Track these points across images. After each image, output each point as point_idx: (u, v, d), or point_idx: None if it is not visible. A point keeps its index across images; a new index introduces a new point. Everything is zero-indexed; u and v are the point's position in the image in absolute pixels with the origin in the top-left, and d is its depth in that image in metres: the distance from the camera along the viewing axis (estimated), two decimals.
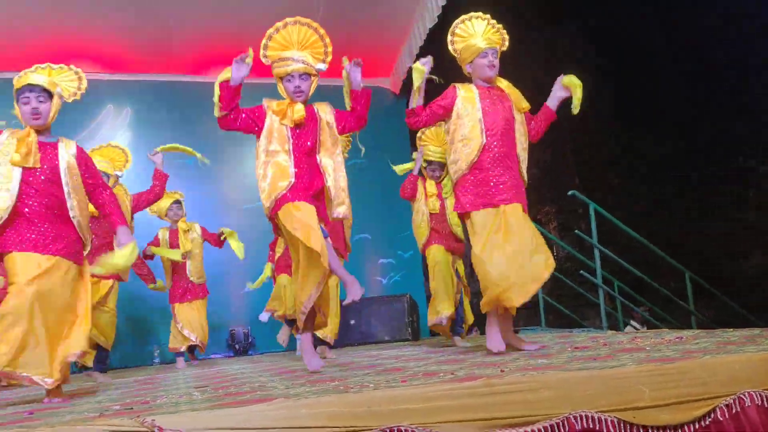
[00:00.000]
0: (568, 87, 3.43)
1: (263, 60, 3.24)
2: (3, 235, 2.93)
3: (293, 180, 3.09)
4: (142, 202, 4.93)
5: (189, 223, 5.74)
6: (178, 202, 5.68)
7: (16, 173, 2.95)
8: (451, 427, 1.78)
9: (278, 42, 3.23)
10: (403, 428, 1.73)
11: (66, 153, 3.08)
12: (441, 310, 4.49)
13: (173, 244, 5.58)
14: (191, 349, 5.91)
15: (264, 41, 3.24)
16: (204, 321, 5.65)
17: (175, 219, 5.66)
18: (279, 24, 3.24)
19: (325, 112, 3.29)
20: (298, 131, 3.17)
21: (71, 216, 3.04)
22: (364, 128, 3.41)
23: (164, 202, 5.55)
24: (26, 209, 2.95)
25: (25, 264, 2.89)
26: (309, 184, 3.14)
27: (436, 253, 4.59)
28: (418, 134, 4.72)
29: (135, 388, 3.36)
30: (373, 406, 1.74)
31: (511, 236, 3.12)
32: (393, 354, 4.22)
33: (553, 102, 3.47)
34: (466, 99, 3.29)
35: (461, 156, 3.26)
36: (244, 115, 3.17)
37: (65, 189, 3.03)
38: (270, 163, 3.13)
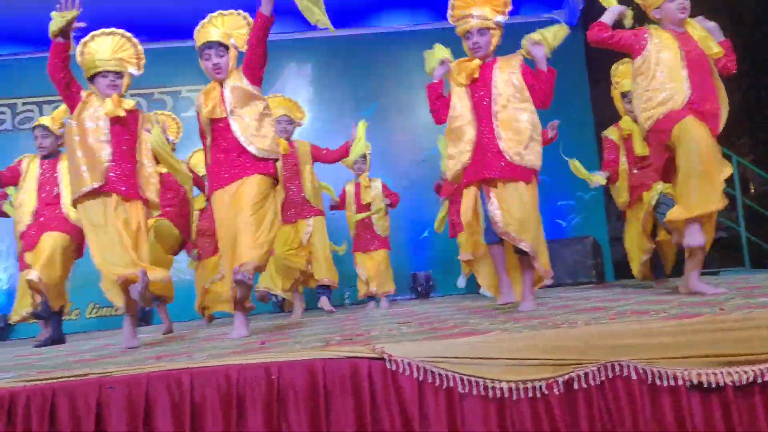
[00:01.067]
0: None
1: (450, 20, 3.27)
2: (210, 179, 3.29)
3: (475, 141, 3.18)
4: (328, 158, 5.22)
5: (370, 179, 5.85)
6: (363, 156, 5.76)
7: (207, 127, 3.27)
8: (674, 362, 1.74)
9: (462, 0, 3.24)
10: (624, 363, 1.73)
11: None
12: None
13: (357, 198, 5.83)
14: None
15: (451, 2, 3.26)
16: (384, 270, 5.83)
17: (359, 173, 5.81)
18: None
19: (508, 68, 3.21)
20: (472, 89, 3.19)
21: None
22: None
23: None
24: (218, 155, 3.25)
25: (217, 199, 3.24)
26: (487, 147, 3.17)
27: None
28: (612, 69, 4.45)
29: (342, 323, 3.65)
30: (593, 340, 1.75)
31: None
32: (583, 295, 4.16)
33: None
34: (662, 44, 3.03)
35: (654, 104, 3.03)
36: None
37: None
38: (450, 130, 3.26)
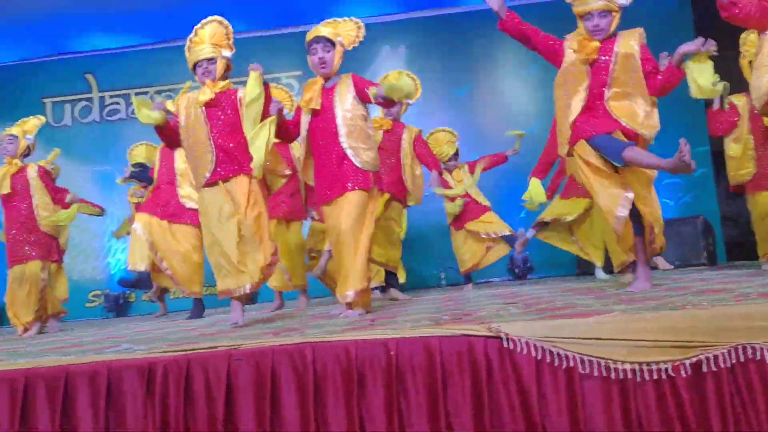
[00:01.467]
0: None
1: None
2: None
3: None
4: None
5: (460, 167, 5.75)
6: (455, 153, 5.70)
7: (305, 119, 3.33)
8: None
9: None
10: (758, 346, 1.65)
11: (347, 91, 3.34)
12: None
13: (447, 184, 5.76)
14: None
15: None
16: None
17: (451, 169, 5.66)
18: None
19: (628, 43, 3.05)
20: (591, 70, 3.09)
21: (347, 153, 3.27)
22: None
23: (443, 137, 5.75)
24: (313, 151, 3.32)
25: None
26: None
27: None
28: (741, 39, 4.17)
29: (444, 303, 3.67)
30: (723, 322, 1.68)
31: None
32: (697, 277, 3.96)
33: None
34: None
35: None
36: (550, 42, 3.17)
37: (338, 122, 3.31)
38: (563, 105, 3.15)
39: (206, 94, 3.25)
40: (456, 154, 5.70)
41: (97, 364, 1.94)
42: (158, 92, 8.12)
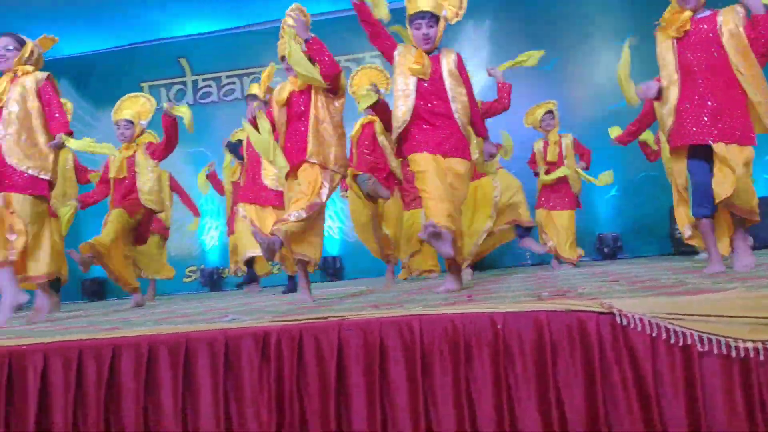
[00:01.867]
0: None
1: None
2: (408, 139, 3.35)
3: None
4: (489, 112, 5.08)
5: (560, 135, 5.62)
6: (550, 111, 5.60)
7: (412, 82, 3.30)
8: None
9: None
10: None
11: (447, 62, 3.32)
12: None
13: (544, 155, 5.66)
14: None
15: None
16: (565, 228, 5.61)
17: (547, 129, 5.63)
18: None
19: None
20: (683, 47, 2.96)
21: (456, 118, 3.27)
22: None
23: (537, 112, 5.64)
24: (422, 114, 3.29)
25: (429, 162, 3.25)
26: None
27: None
28: None
29: (537, 281, 3.63)
30: None
31: None
32: None
33: None
34: None
35: None
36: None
37: (449, 94, 3.29)
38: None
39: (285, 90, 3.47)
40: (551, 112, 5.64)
41: (215, 332, 2.05)
42: (247, 75, 8.36)
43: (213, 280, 8.18)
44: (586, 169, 5.68)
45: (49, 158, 3.57)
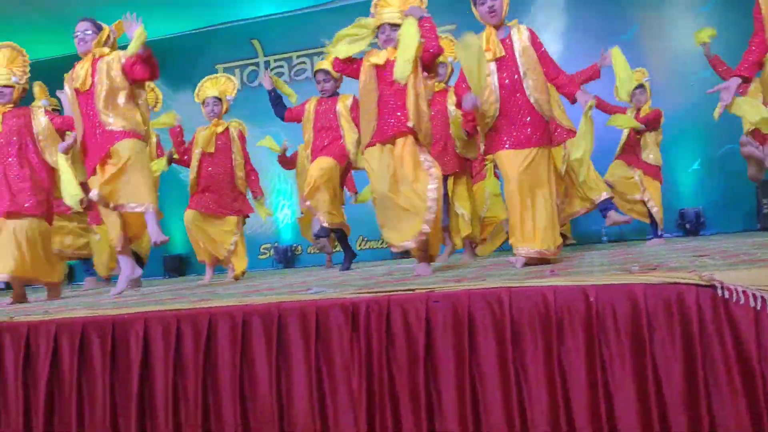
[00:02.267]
0: None
1: None
2: (491, 135, 3.29)
3: None
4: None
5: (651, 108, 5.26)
6: (641, 86, 5.23)
7: (492, 67, 3.26)
8: None
9: None
10: None
11: (519, 38, 3.26)
12: None
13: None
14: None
15: None
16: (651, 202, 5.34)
17: (638, 106, 5.24)
18: None
19: None
20: None
21: (528, 95, 3.21)
22: None
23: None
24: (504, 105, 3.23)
25: (512, 160, 3.23)
26: None
27: None
28: None
29: (620, 256, 3.53)
30: None
31: None
32: None
33: None
34: None
35: None
36: None
37: (521, 69, 3.23)
38: None
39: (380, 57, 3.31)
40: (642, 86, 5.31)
41: (306, 303, 2.10)
42: (317, 54, 8.42)
43: (287, 257, 8.37)
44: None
45: (136, 118, 3.73)
